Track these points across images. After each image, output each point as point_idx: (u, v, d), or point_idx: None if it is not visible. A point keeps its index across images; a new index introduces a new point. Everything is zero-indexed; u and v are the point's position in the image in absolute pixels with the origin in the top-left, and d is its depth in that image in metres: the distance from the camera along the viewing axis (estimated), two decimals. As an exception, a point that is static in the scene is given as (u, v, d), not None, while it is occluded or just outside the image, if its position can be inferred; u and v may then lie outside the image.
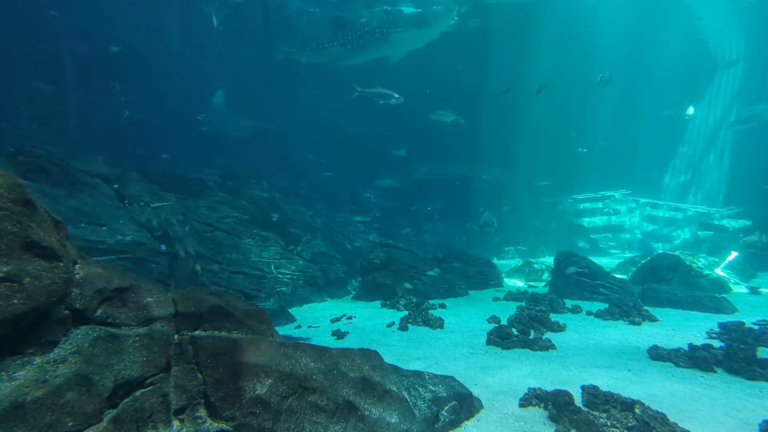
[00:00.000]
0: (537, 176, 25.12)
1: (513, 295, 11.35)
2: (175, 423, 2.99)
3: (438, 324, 8.60)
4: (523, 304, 10.12)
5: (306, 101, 24.70)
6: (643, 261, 14.04)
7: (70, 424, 2.45)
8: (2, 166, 7.84)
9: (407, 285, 11.71)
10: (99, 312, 2.98)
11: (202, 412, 3.07)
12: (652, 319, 8.62)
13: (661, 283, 11.30)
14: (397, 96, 12.09)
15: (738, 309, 9.41)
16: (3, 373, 2.45)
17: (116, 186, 10.08)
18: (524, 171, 25.49)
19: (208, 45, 21.42)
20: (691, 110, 18.38)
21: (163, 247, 9.17)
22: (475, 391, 4.93)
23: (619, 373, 5.76)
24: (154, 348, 3.08)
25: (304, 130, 24.73)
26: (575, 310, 9.66)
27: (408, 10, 17.09)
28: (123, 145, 19.17)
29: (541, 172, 25.27)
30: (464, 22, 19.59)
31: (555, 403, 4.47)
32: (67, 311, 2.83)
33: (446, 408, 4.34)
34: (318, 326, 9.07)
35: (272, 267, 11.66)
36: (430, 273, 12.13)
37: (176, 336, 3.27)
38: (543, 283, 13.91)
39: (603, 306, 9.63)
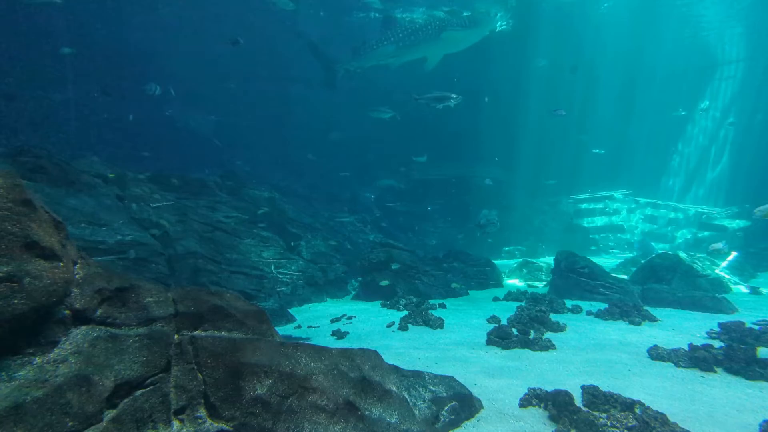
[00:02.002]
0: (538, 176, 25.13)
1: (513, 295, 11.35)
2: (175, 423, 2.99)
3: (438, 324, 8.59)
4: (523, 304, 10.12)
5: (304, 101, 24.77)
6: (643, 261, 14.03)
7: (70, 424, 2.45)
8: (2, 166, 7.84)
9: (384, 282, 11.73)
10: (99, 312, 2.98)
11: (202, 412, 3.07)
12: (652, 319, 8.62)
13: (661, 283, 11.29)
14: (455, 96, 11.49)
15: (738, 309, 9.41)
16: (3, 373, 2.45)
17: (111, 175, 10.04)
18: (525, 171, 25.48)
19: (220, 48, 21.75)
20: (706, 104, 18.51)
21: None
22: (475, 391, 4.93)
23: (619, 373, 5.76)
24: (154, 348, 3.08)
25: (292, 129, 24.82)
26: (575, 310, 9.66)
27: (464, 11, 17.30)
28: (125, 146, 19.30)
29: (542, 172, 25.28)
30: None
31: (555, 403, 4.47)
32: (67, 311, 2.82)
33: (446, 408, 4.33)
34: (318, 326, 9.07)
35: (272, 267, 11.66)
36: (393, 268, 12.14)
37: (176, 336, 3.26)
38: (543, 283, 13.91)
39: (603, 306, 9.63)
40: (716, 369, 5.79)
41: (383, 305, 11.00)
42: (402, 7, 21.22)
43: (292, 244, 12.98)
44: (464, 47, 17.85)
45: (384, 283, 11.70)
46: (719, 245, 11.29)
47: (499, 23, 20.68)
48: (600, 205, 24.93)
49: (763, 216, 8.57)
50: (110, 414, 2.69)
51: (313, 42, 19.18)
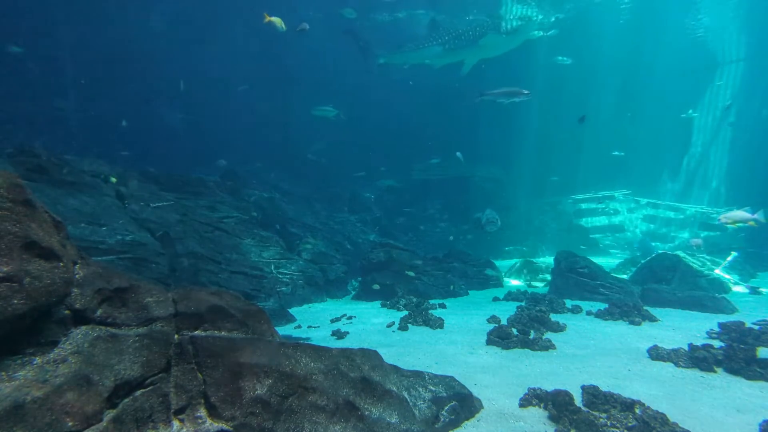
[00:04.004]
0: (539, 176, 25.09)
1: (513, 295, 11.35)
2: (175, 423, 2.99)
3: (438, 324, 8.59)
4: (523, 304, 10.12)
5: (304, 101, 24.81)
6: (643, 261, 14.02)
7: (70, 424, 2.45)
8: (2, 166, 7.84)
9: (376, 286, 11.87)
10: (99, 312, 2.98)
11: (202, 412, 3.07)
12: (652, 319, 8.62)
13: (661, 283, 11.29)
14: (526, 92, 10.43)
15: (738, 309, 9.42)
16: (3, 373, 2.45)
17: (113, 177, 10.09)
18: (525, 170, 25.45)
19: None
20: (729, 102, 18.66)
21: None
22: (475, 391, 4.93)
23: (619, 373, 5.76)
24: (154, 348, 3.08)
25: (292, 129, 24.92)
26: (575, 310, 9.66)
27: (502, 17, 17.48)
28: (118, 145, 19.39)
29: (543, 172, 25.25)
30: None
31: (555, 403, 4.47)
32: (67, 311, 2.83)
33: (446, 408, 4.33)
34: (318, 326, 9.07)
35: (272, 267, 11.66)
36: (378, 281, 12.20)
37: (176, 336, 3.27)
38: (543, 283, 13.91)
39: (603, 306, 9.63)
40: (716, 369, 5.79)
41: (383, 305, 11.00)
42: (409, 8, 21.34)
43: (277, 227, 12.79)
44: (503, 52, 17.99)
45: (375, 287, 11.72)
46: (698, 240, 11.80)
47: (553, 17, 20.82)
48: (600, 205, 24.92)
49: (728, 223, 8.59)
50: (110, 414, 2.69)
51: (352, 29, 19.23)
